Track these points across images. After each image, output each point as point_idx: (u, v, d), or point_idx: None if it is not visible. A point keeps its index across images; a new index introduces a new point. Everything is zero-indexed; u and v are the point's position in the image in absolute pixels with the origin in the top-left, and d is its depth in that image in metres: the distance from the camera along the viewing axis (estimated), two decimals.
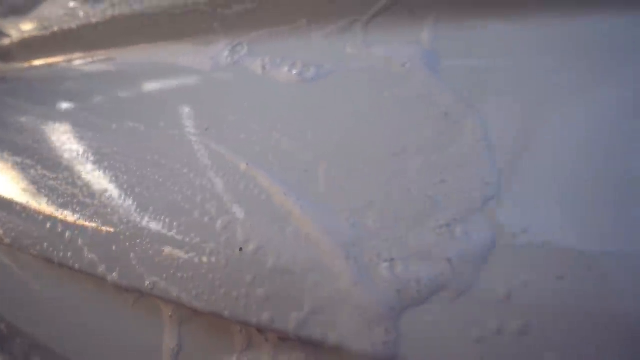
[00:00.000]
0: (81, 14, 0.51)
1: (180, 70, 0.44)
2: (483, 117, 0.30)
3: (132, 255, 0.34)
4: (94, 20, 0.50)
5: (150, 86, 0.45)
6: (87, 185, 0.38)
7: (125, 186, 0.37)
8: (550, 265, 0.24)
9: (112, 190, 0.37)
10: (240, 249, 0.30)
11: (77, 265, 0.36)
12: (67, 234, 0.37)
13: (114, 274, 0.35)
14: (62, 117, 0.46)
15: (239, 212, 0.32)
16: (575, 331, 0.23)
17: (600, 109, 0.28)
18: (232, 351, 0.34)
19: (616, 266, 0.23)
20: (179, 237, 0.33)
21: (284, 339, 0.32)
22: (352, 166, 0.30)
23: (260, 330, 0.32)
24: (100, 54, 0.52)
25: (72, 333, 0.39)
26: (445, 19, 0.36)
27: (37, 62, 0.57)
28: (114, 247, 0.35)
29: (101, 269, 0.35)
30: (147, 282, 0.33)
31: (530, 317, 0.23)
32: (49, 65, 0.57)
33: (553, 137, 0.28)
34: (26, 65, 0.58)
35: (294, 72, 0.37)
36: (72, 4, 0.54)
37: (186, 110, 0.40)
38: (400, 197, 0.28)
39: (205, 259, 0.31)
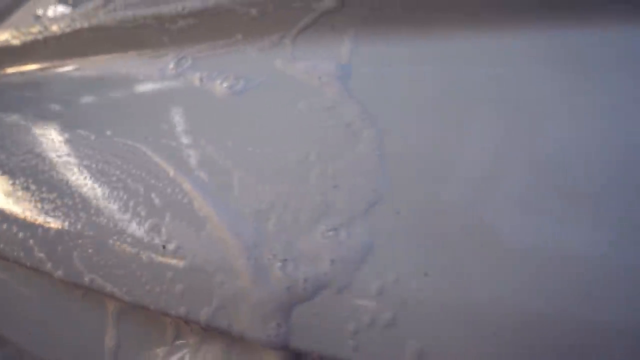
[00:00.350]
0: (47, 26, 0.54)
1: (131, 81, 0.47)
2: (382, 128, 0.32)
3: (74, 254, 0.38)
4: (58, 32, 0.53)
5: (104, 95, 0.48)
6: (38, 190, 0.41)
7: (70, 190, 0.40)
8: (418, 264, 0.27)
9: (59, 194, 0.40)
10: (164, 247, 0.34)
11: (28, 263, 0.40)
12: (20, 234, 0.41)
13: (59, 271, 0.38)
14: (19, 122, 0.49)
15: (164, 215, 0.35)
16: (437, 322, 0.26)
17: (506, 117, 0.31)
18: (164, 342, 0.38)
19: (478, 264, 0.26)
20: (114, 237, 0.36)
21: (206, 329, 0.35)
22: (262, 173, 0.33)
23: (186, 321, 0.36)
24: (68, 63, 0.56)
25: (25, 325, 0.43)
26: (363, 34, 0.39)
27: (10, 70, 0.61)
28: (59, 247, 0.39)
29: (49, 266, 0.39)
30: (86, 279, 0.37)
31: (398, 310, 0.26)
32: (21, 73, 0.61)
33: (449, 149, 0.31)
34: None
35: (225, 85, 0.40)
36: (40, 14, 0.57)
37: (131, 119, 0.44)
38: (298, 202, 0.31)
39: (133, 257, 0.35)
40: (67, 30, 0.53)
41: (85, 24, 0.51)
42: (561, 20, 0.33)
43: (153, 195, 0.36)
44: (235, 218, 0.32)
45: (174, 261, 0.33)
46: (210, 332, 0.35)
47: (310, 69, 0.38)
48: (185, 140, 0.38)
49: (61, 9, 0.54)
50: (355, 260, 0.28)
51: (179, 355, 0.36)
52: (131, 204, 0.37)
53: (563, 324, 0.23)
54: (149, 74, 0.47)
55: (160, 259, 0.34)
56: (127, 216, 0.36)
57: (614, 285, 0.23)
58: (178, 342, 0.37)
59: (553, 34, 0.33)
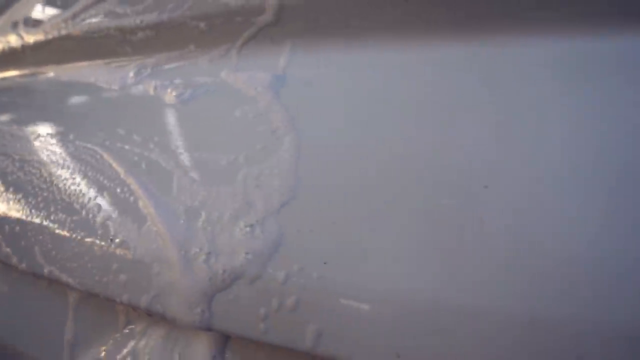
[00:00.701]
0: (23, 36, 0.58)
1: (96, 88, 0.51)
2: (302, 133, 0.36)
3: (36, 248, 0.42)
4: (31, 41, 0.57)
5: (71, 101, 0.52)
6: (6, 190, 0.46)
7: (34, 190, 0.44)
8: (319, 254, 0.30)
9: (24, 194, 0.44)
10: (111, 240, 0.38)
11: None
12: None
13: (23, 264, 0.43)
14: None
15: (113, 211, 0.39)
16: (333, 306, 0.29)
17: (417, 119, 0.34)
18: (117, 328, 0.42)
19: (371, 252, 0.29)
20: (69, 232, 0.40)
21: (150, 315, 0.39)
22: (197, 174, 0.37)
23: (131, 308, 0.40)
24: (43, 71, 0.60)
25: None
26: (299, 46, 0.42)
27: None
28: (22, 242, 0.43)
29: (14, 260, 0.43)
30: (45, 270, 0.41)
31: (300, 296, 0.30)
32: (3, 79, 0.65)
33: (361, 152, 0.34)
34: None
35: (174, 93, 0.44)
36: (17, 24, 0.61)
37: (92, 124, 0.47)
38: (225, 200, 0.35)
39: (85, 250, 0.39)
40: (41, 39, 0.57)
41: (57, 34, 0.55)
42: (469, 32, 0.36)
43: (105, 194, 0.40)
44: (170, 215, 0.36)
45: (119, 254, 0.37)
46: (154, 317, 0.39)
47: (249, 79, 0.41)
48: (136, 144, 0.42)
49: (36, 20, 0.58)
50: (266, 253, 0.31)
51: (128, 339, 0.40)
52: (86, 202, 0.41)
53: (452, 308, 0.27)
54: (112, 82, 0.50)
55: (107, 251, 0.38)
56: (82, 213, 0.40)
57: (556, 278, 0.26)
58: (128, 328, 0.41)
59: (473, 44, 0.36)
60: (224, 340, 0.36)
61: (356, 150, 0.34)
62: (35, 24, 0.59)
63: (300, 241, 0.31)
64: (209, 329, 0.33)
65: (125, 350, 0.39)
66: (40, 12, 0.59)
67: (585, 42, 0.32)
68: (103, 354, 0.40)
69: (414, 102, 0.35)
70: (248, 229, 0.32)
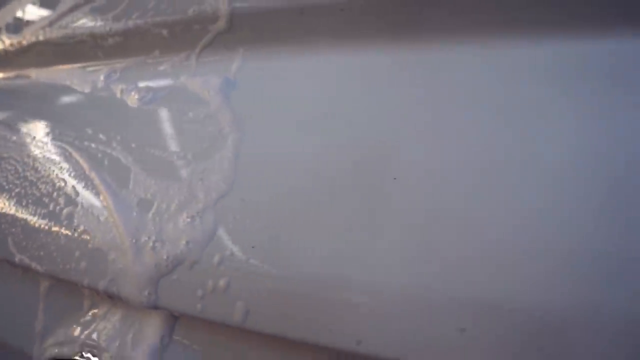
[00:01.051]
0: (5, 41, 0.62)
1: (71, 90, 0.55)
2: (245, 133, 0.40)
3: (9, 239, 0.46)
4: (13, 46, 0.61)
5: (48, 102, 0.56)
6: None
7: (9, 185, 0.48)
8: (249, 239, 0.34)
9: (0, 189, 0.48)
10: (74, 230, 0.41)
11: None
12: None
13: None
14: None
15: (77, 204, 0.43)
16: (260, 286, 0.33)
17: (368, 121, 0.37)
18: (82, 309, 0.45)
19: (296, 237, 0.33)
20: (39, 223, 0.44)
21: (112, 297, 0.43)
22: (151, 170, 0.41)
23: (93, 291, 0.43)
24: (23, 73, 0.64)
25: None
26: (250, 52, 0.45)
27: None
28: None
29: None
30: (17, 259, 0.45)
31: (231, 277, 0.34)
32: None
33: (297, 149, 0.37)
34: None
35: (137, 96, 0.47)
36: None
37: (65, 124, 0.51)
38: (174, 193, 0.38)
39: (52, 239, 0.43)
40: (23, 45, 0.61)
41: (36, 40, 0.59)
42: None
43: (71, 188, 0.44)
44: (125, 208, 0.40)
45: (81, 242, 0.41)
46: (114, 300, 0.43)
47: (203, 83, 0.45)
48: (101, 142, 0.46)
49: (17, 26, 0.61)
50: (204, 241, 0.35)
51: (92, 321, 0.44)
52: (54, 195, 0.45)
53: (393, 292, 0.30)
54: (85, 85, 0.54)
55: (71, 240, 0.41)
56: (50, 206, 0.44)
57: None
58: (92, 312, 0.44)
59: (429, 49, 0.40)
60: (173, 320, 0.39)
61: (290, 150, 0.37)
62: (16, 30, 0.62)
63: (232, 229, 0.35)
64: (155, 307, 0.37)
65: (86, 333, 0.42)
66: (20, 19, 0.63)
67: (565, 45, 0.33)
68: (67, 336, 0.43)
69: (352, 106, 0.39)
70: (189, 219, 0.36)
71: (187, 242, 0.35)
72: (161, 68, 0.50)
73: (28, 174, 0.48)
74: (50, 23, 0.57)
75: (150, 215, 0.38)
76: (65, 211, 0.43)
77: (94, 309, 0.44)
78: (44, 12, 0.59)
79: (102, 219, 0.40)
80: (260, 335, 0.34)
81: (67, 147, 0.48)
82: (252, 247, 0.33)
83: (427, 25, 0.39)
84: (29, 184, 0.47)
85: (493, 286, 0.28)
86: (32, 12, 0.60)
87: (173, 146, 0.42)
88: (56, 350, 0.42)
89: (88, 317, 0.44)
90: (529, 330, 0.26)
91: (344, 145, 0.36)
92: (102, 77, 0.53)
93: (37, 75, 0.62)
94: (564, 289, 0.26)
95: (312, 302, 0.31)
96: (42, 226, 0.44)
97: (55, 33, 0.57)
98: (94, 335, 0.42)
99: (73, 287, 0.46)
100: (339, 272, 0.31)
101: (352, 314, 0.30)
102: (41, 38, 0.58)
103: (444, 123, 0.35)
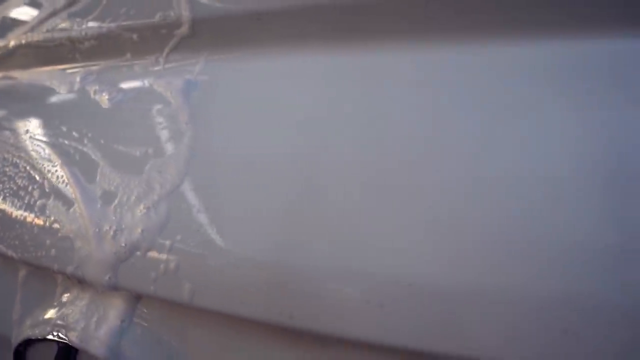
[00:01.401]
0: None
1: (51, 91, 0.58)
2: (201, 131, 0.43)
3: None
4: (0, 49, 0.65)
5: (30, 102, 0.60)
6: None
7: None
8: (195, 224, 0.37)
9: None
10: (46, 220, 0.45)
11: None
12: None
13: None
14: None
15: (49, 196, 0.46)
16: (205, 268, 0.36)
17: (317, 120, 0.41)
18: (55, 294, 0.49)
19: (238, 221, 0.36)
20: (15, 214, 0.47)
21: (80, 282, 0.46)
22: (115, 164, 0.44)
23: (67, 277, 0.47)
24: (10, 74, 0.67)
25: None
26: (213, 56, 0.49)
27: None
28: None
29: None
30: None
31: (180, 261, 0.37)
32: None
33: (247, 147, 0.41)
34: None
35: (107, 96, 0.51)
36: None
37: (43, 122, 0.55)
38: (134, 186, 0.42)
39: (26, 230, 0.46)
40: (8, 47, 0.64)
41: (20, 43, 0.62)
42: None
43: (45, 181, 0.48)
44: (91, 199, 0.43)
45: (51, 231, 0.44)
46: (83, 285, 0.46)
47: (168, 84, 0.48)
48: (73, 139, 0.49)
49: (1, 30, 0.65)
50: (157, 229, 0.38)
51: (63, 304, 0.47)
52: (29, 189, 0.48)
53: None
54: (63, 86, 0.57)
55: (43, 230, 0.45)
56: (26, 198, 0.48)
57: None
58: (64, 295, 0.48)
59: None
60: (134, 304, 0.43)
61: (237, 147, 0.40)
62: (2, 34, 0.66)
63: (182, 217, 0.38)
64: (116, 289, 0.40)
65: (57, 315, 0.46)
66: (5, 24, 0.66)
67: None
68: (41, 319, 0.47)
69: (303, 106, 0.42)
70: (145, 210, 0.40)
71: (143, 231, 0.39)
72: (132, 70, 0.54)
73: (7, 169, 0.52)
74: (32, 28, 0.60)
75: (112, 206, 0.42)
76: (38, 203, 0.46)
77: (66, 293, 0.48)
78: (27, 18, 0.62)
79: (70, 210, 0.44)
80: (210, 313, 0.37)
81: (43, 143, 0.51)
82: (197, 231, 0.37)
83: (376, 30, 0.42)
84: (7, 178, 0.51)
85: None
86: (17, 18, 0.63)
87: (137, 142, 0.45)
88: (29, 332, 0.46)
89: (60, 301, 0.48)
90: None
91: (287, 143, 0.39)
92: (78, 79, 0.57)
93: (21, 76, 0.65)
94: None
95: (249, 280, 0.34)
96: (18, 217, 0.47)
97: (37, 37, 0.61)
98: (64, 318, 0.45)
99: (47, 274, 0.50)
100: (269, 255, 0.34)
101: (283, 291, 0.33)
102: (24, 42, 0.61)
103: (403, 125, 0.37)
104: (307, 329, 0.33)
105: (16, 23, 0.65)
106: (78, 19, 0.56)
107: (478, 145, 0.33)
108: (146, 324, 0.42)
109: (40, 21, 0.60)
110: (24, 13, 0.63)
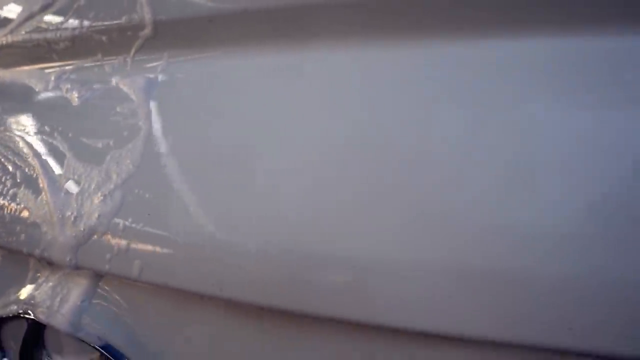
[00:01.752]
0: None
1: (28, 89, 0.62)
2: (156, 126, 0.46)
3: None
4: None
5: (11, 99, 0.64)
6: None
7: None
8: (146, 208, 0.41)
9: None
10: (16, 207, 0.49)
11: None
12: None
13: None
14: None
15: (20, 185, 0.50)
16: (154, 246, 0.40)
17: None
18: (28, 276, 0.53)
19: (183, 205, 0.40)
20: None
21: (50, 264, 0.50)
22: (80, 156, 0.48)
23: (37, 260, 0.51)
24: None
25: None
26: (173, 56, 0.52)
27: None
28: None
29: None
30: None
31: (130, 241, 0.41)
32: None
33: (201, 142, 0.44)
34: None
35: (77, 94, 0.54)
36: None
37: (20, 118, 0.59)
38: (95, 175, 0.45)
39: (1, 216, 0.50)
40: None
41: (1, 44, 0.66)
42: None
43: (18, 172, 0.52)
44: (57, 188, 0.47)
45: (21, 218, 0.48)
46: (52, 267, 0.50)
47: (132, 82, 0.52)
48: (45, 133, 0.53)
49: None
50: (112, 214, 0.42)
51: (34, 286, 0.51)
52: (3, 179, 0.52)
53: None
54: (41, 84, 0.61)
55: (14, 216, 0.49)
56: (0, 187, 0.52)
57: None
58: (35, 276, 0.52)
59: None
60: (95, 285, 0.47)
61: (189, 141, 0.44)
62: None
63: (134, 202, 0.42)
64: (77, 269, 0.44)
65: (28, 295, 0.50)
66: None
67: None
68: (13, 298, 0.51)
69: (249, 105, 0.45)
70: (102, 197, 0.43)
71: (99, 216, 0.43)
72: (102, 69, 0.57)
73: None
74: (12, 30, 0.64)
75: (74, 194, 0.45)
76: (10, 192, 0.50)
77: (37, 274, 0.52)
78: (6, 21, 0.66)
79: (38, 198, 0.48)
80: (162, 289, 0.41)
81: (18, 137, 0.55)
82: (148, 215, 0.41)
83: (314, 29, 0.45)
84: None
85: None
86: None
87: (100, 136, 0.49)
88: (1, 312, 0.50)
89: (31, 283, 0.52)
90: None
91: (230, 141, 0.43)
92: (53, 78, 0.60)
93: (4, 74, 0.69)
94: None
95: (188, 256, 0.38)
96: None
97: (16, 38, 0.64)
98: (33, 297, 0.49)
99: (21, 259, 0.54)
100: (204, 235, 0.38)
101: (212, 264, 0.37)
102: (4, 42, 0.65)
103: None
104: (232, 297, 0.37)
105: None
106: (52, 22, 0.60)
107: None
108: (106, 302, 0.46)
109: (19, 24, 0.64)
110: (3, 15, 0.66)
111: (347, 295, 0.32)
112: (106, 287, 0.46)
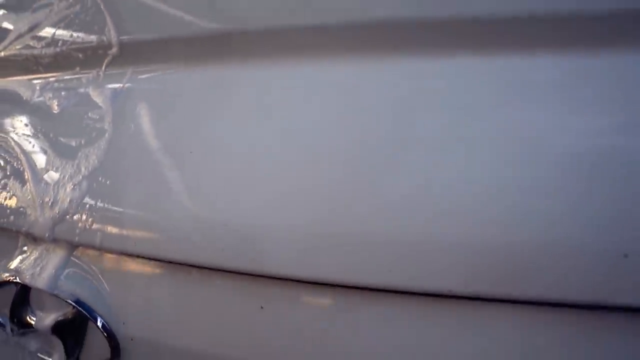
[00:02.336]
0: None
1: (17, 96, 0.74)
2: (119, 129, 0.58)
3: None
4: None
5: (3, 105, 0.75)
6: None
7: None
8: (107, 191, 0.52)
9: None
10: (7, 195, 0.60)
11: None
12: None
13: None
14: None
15: (10, 177, 0.61)
16: (111, 220, 0.51)
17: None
18: (17, 250, 0.64)
19: (139, 189, 0.51)
20: None
21: (34, 239, 0.62)
22: (60, 153, 0.59)
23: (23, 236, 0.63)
24: None
25: None
26: (137, 71, 0.64)
27: None
28: None
29: None
30: None
31: (95, 216, 0.52)
32: None
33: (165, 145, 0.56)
34: None
35: (56, 103, 0.66)
36: None
37: (11, 121, 0.70)
38: (68, 168, 0.57)
39: None
40: None
41: None
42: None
43: (8, 166, 0.63)
44: (38, 179, 0.58)
45: (9, 204, 0.60)
46: (36, 241, 0.62)
47: (101, 92, 0.63)
48: (31, 134, 0.65)
49: None
50: (80, 198, 0.54)
51: (22, 257, 0.63)
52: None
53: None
54: (27, 93, 0.73)
55: (4, 203, 0.60)
56: None
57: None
58: (22, 249, 0.63)
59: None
60: (70, 252, 0.58)
61: (143, 139, 0.56)
62: None
63: (97, 188, 0.53)
64: (54, 242, 0.56)
65: (16, 265, 0.61)
66: None
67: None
68: (3, 268, 0.62)
69: (192, 118, 0.57)
70: (72, 186, 0.55)
71: (70, 200, 0.54)
72: (79, 81, 0.69)
73: None
74: (4, 47, 0.76)
75: (52, 184, 0.57)
76: (2, 182, 0.62)
77: (24, 248, 0.63)
78: (1, 39, 0.77)
79: (24, 187, 0.59)
80: (126, 255, 0.53)
81: (9, 137, 0.67)
82: (107, 198, 0.52)
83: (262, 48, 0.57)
84: None
85: None
86: None
87: (74, 136, 0.60)
88: None
89: (19, 255, 0.63)
90: None
91: (174, 142, 0.54)
92: (38, 88, 0.72)
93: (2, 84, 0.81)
94: None
95: (138, 227, 0.50)
96: None
97: (8, 52, 0.76)
98: (20, 266, 0.61)
99: (11, 235, 0.65)
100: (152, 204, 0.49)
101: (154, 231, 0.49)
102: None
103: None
104: (162, 256, 0.48)
105: None
106: (38, 42, 0.71)
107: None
108: (78, 268, 0.58)
109: (10, 42, 0.75)
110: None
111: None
112: (78, 255, 0.58)
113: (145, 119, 0.58)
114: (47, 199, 0.56)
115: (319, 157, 0.46)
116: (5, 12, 0.76)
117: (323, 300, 0.43)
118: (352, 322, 0.43)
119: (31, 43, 0.72)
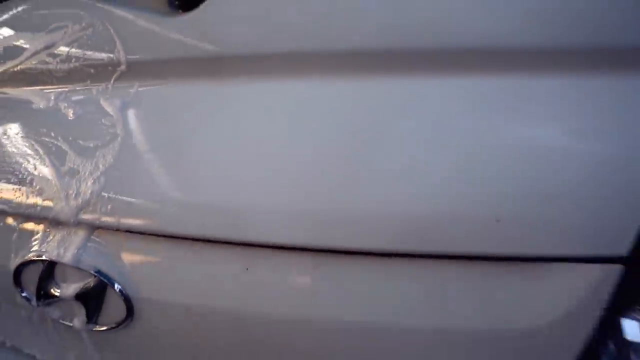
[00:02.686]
0: None
1: (35, 106, 0.85)
2: (128, 134, 0.71)
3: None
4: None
5: (17, 112, 0.87)
6: None
7: None
8: (121, 184, 0.65)
9: None
10: (35, 189, 0.73)
11: None
12: None
13: None
14: None
15: (35, 174, 0.74)
16: (128, 207, 0.64)
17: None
18: (39, 232, 0.76)
19: (143, 183, 0.65)
20: (14, 187, 0.75)
21: (59, 224, 0.74)
22: (79, 152, 0.72)
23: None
24: (2, 90, 0.94)
25: None
26: (143, 85, 0.77)
27: None
28: None
29: None
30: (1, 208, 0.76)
31: (112, 203, 0.65)
32: None
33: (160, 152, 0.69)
34: None
35: (71, 111, 0.78)
36: None
37: (28, 127, 0.82)
38: (88, 165, 0.70)
39: (23, 194, 0.74)
40: (7, 72, 0.91)
41: (10, 70, 0.89)
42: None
43: (32, 165, 0.75)
44: (62, 175, 0.71)
45: (38, 195, 0.72)
46: (60, 225, 0.74)
47: (112, 103, 0.76)
48: (51, 137, 0.77)
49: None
50: (100, 190, 0.67)
51: (47, 240, 0.75)
52: (22, 170, 0.76)
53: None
54: (43, 102, 0.85)
55: (33, 195, 0.73)
56: (21, 176, 0.75)
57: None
58: (46, 234, 0.75)
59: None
60: (90, 233, 0.71)
61: (150, 142, 0.69)
62: (1, 64, 0.93)
63: (113, 181, 0.66)
64: (78, 224, 0.69)
65: (43, 245, 0.74)
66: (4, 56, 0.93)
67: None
68: (29, 252, 0.75)
69: (187, 130, 0.70)
70: (93, 180, 0.68)
71: (91, 193, 0.67)
72: (90, 92, 0.81)
73: (7, 157, 0.79)
74: (21, 62, 0.87)
75: (74, 180, 0.70)
76: (28, 179, 0.74)
77: (47, 232, 0.76)
78: (18, 54, 0.89)
79: (49, 182, 0.72)
80: (136, 234, 0.66)
81: (32, 140, 0.79)
82: (121, 189, 0.65)
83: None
84: (7, 164, 0.78)
85: None
86: (10, 54, 0.90)
87: (91, 139, 0.73)
88: (21, 260, 0.73)
89: (43, 239, 0.75)
90: None
91: (176, 143, 0.68)
92: (53, 97, 0.84)
93: (12, 92, 0.92)
94: None
95: (148, 211, 0.63)
96: (16, 187, 0.75)
97: (24, 66, 0.88)
98: (46, 246, 0.73)
99: (36, 222, 0.77)
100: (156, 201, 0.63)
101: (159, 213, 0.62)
102: (15, 69, 0.88)
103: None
104: (171, 232, 0.62)
105: (10, 56, 0.92)
106: (52, 58, 0.83)
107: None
108: (98, 245, 0.70)
109: (27, 57, 0.87)
110: (16, 49, 0.89)
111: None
112: (97, 235, 0.70)
113: (149, 125, 0.71)
114: (70, 192, 0.69)
115: (289, 158, 0.61)
116: (22, 32, 0.88)
117: (297, 260, 0.57)
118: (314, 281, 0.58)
119: (47, 59, 0.84)
